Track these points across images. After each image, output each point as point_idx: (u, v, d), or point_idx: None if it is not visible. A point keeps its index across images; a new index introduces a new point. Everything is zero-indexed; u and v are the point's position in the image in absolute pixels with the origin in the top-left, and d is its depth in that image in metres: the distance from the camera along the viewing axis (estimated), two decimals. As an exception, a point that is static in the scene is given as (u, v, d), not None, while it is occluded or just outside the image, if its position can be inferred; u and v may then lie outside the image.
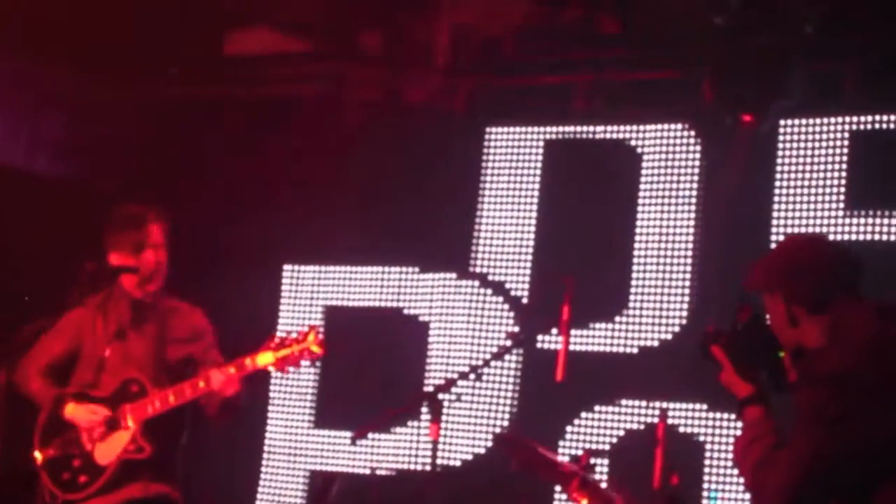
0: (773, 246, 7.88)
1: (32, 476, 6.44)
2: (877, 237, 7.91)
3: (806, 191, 8.12)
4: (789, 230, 8.07)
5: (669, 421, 7.32)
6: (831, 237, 7.93)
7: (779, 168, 8.21)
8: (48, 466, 6.41)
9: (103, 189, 9.04)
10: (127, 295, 6.53)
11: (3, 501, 6.55)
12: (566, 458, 7.94)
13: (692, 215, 8.41)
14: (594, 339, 8.46)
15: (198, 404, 6.38)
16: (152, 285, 6.52)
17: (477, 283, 8.94)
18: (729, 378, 4.38)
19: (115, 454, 6.28)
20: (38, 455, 6.44)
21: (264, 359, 6.25)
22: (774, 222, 8.13)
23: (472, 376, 7.99)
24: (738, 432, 4.44)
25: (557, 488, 8.16)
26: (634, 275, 8.48)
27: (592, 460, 6.41)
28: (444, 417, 6.74)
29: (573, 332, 7.75)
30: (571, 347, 7.12)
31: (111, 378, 6.36)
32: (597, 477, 6.46)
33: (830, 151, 8.10)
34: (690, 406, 8.04)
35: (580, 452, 7.13)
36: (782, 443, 4.13)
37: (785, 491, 4.02)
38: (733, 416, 7.85)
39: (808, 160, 8.15)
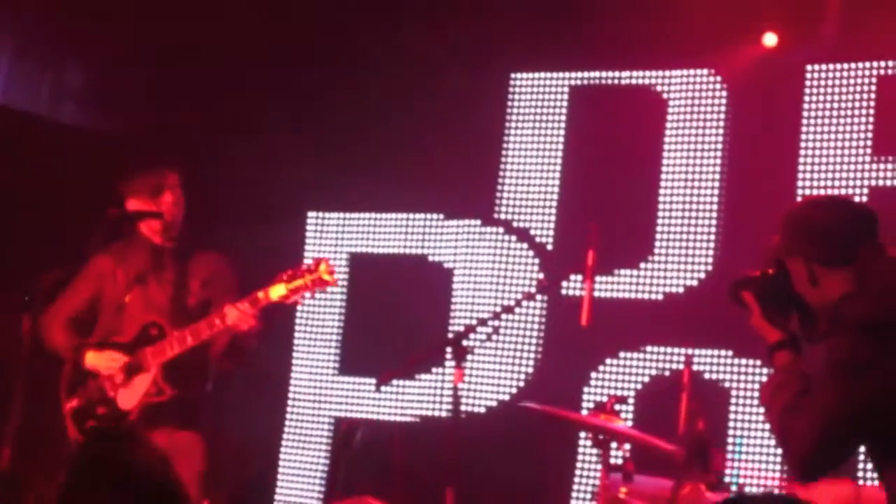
0: (799, 194, 7.91)
1: (58, 427, 6.51)
2: (903, 183, 7.87)
3: (832, 136, 8.07)
4: (815, 176, 8.04)
5: (695, 367, 7.32)
6: (857, 183, 7.91)
7: (805, 113, 8.16)
8: (74, 416, 6.47)
9: (127, 138, 9.06)
10: (146, 241, 6.57)
11: (27, 453, 6.60)
12: (591, 405, 8.00)
13: (718, 161, 8.37)
14: (619, 285, 8.45)
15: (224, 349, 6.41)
16: (172, 229, 6.54)
17: (502, 229, 8.92)
18: (759, 323, 4.37)
19: (136, 398, 6.33)
20: (66, 406, 6.50)
21: (277, 291, 6.27)
22: (801, 168, 8.09)
23: (496, 323, 7.99)
24: (765, 378, 4.44)
25: (581, 434, 8.18)
26: (659, 221, 8.45)
27: (617, 406, 6.40)
28: (468, 364, 6.74)
29: (598, 278, 7.73)
30: (596, 294, 7.10)
31: (132, 323, 6.41)
32: (622, 423, 6.44)
33: (857, 97, 8.05)
34: (716, 352, 8.03)
35: (605, 399, 7.12)
36: (810, 389, 4.12)
37: (812, 436, 4.01)
38: (759, 363, 7.85)
39: (835, 105, 8.10)
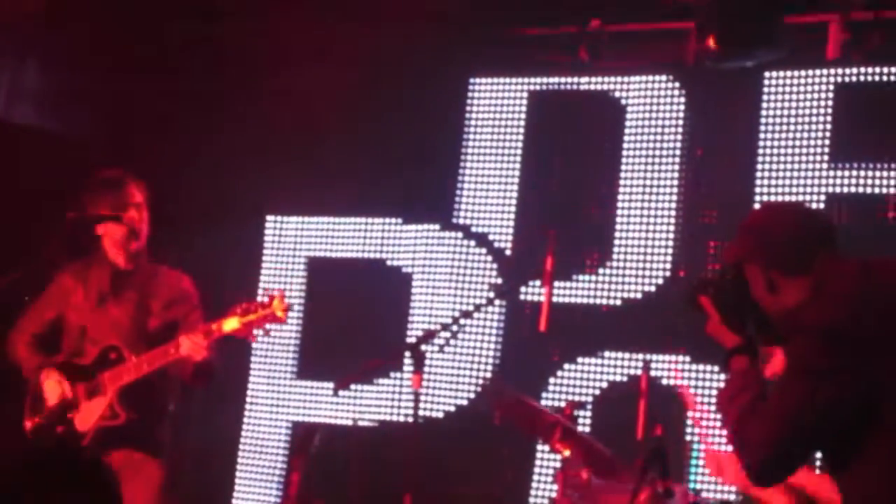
0: (757, 200, 7.95)
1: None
2: (860, 190, 7.90)
3: (790, 143, 8.11)
4: (773, 183, 8.08)
5: (652, 373, 7.34)
6: (815, 189, 7.95)
7: (763, 120, 8.20)
8: (35, 435, 6.47)
9: (80, 141, 9.02)
10: (108, 262, 6.55)
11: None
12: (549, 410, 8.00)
13: (676, 167, 8.40)
14: (577, 290, 8.46)
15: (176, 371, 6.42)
16: (134, 245, 6.51)
17: (460, 234, 8.92)
18: (716, 328, 4.39)
19: (92, 421, 6.33)
20: (27, 424, 6.50)
21: (230, 324, 6.30)
22: (758, 174, 8.12)
23: (454, 327, 7.99)
24: (723, 385, 4.45)
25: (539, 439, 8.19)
26: (618, 227, 8.47)
27: (575, 412, 6.42)
28: (426, 368, 6.74)
29: (556, 284, 7.74)
30: (554, 299, 7.11)
31: (93, 346, 6.41)
32: (580, 428, 6.46)
33: (815, 104, 8.09)
34: (673, 358, 8.04)
35: (562, 404, 7.13)
36: (766, 394, 4.13)
37: (768, 440, 4.02)
38: (716, 369, 7.87)
39: (793, 112, 8.14)
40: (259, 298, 6.43)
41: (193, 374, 6.41)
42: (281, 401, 9.22)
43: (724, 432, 4.38)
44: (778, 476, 4.17)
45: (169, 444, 6.59)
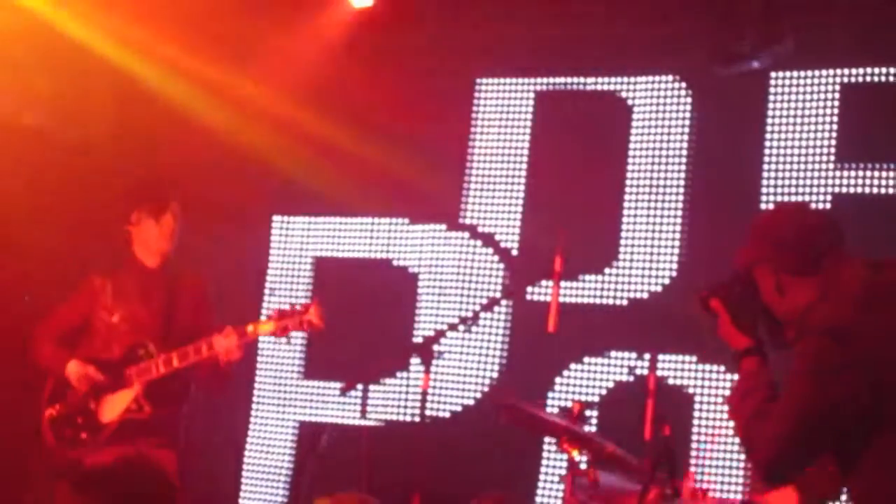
0: (763, 201, 7.95)
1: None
2: (866, 190, 7.92)
3: (796, 143, 8.12)
4: (779, 183, 8.09)
5: (659, 373, 7.35)
6: (820, 190, 7.97)
7: (769, 120, 8.21)
8: (52, 423, 6.55)
9: (85, 140, 9.05)
10: (137, 262, 6.63)
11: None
12: (556, 410, 8.01)
13: (682, 167, 8.41)
14: (584, 290, 8.47)
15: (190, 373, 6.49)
16: (166, 248, 6.60)
17: (467, 234, 8.94)
18: (727, 330, 4.41)
19: (117, 413, 6.41)
20: (46, 412, 6.56)
21: (266, 327, 6.38)
22: (765, 174, 8.14)
23: (461, 328, 8.01)
24: (730, 384, 4.48)
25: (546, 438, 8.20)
26: (624, 227, 8.48)
27: (584, 411, 6.42)
28: (433, 369, 6.76)
29: (563, 283, 7.75)
30: (561, 299, 7.12)
31: (120, 343, 6.47)
32: (588, 428, 6.47)
33: (821, 104, 8.10)
34: (680, 358, 8.06)
35: (569, 404, 7.14)
36: (777, 396, 4.15)
37: (778, 441, 4.04)
38: (722, 369, 7.88)
39: (799, 113, 8.15)
40: (294, 305, 6.50)
41: (211, 378, 6.49)
42: (288, 400, 9.24)
43: (733, 432, 4.40)
44: (787, 474, 4.19)
45: (183, 441, 6.67)
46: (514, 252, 8.81)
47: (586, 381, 8.37)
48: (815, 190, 8.00)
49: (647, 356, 7.14)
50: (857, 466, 4.09)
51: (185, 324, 6.57)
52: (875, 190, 7.90)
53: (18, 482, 7.92)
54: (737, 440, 4.40)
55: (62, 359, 6.55)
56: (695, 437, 7.93)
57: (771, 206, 7.90)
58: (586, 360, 8.39)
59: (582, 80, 8.78)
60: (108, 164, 7.54)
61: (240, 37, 9.14)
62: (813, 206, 7.53)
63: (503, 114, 8.98)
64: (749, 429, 4.17)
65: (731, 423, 4.47)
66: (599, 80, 8.71)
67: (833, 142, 8.04)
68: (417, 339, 8.72)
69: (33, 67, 8.87)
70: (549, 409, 8.29)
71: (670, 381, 8.00)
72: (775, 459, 4.09)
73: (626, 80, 8.64)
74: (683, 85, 8.49)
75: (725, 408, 4.67)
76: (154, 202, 6.64)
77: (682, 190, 8.39)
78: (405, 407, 8.83)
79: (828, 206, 7.87)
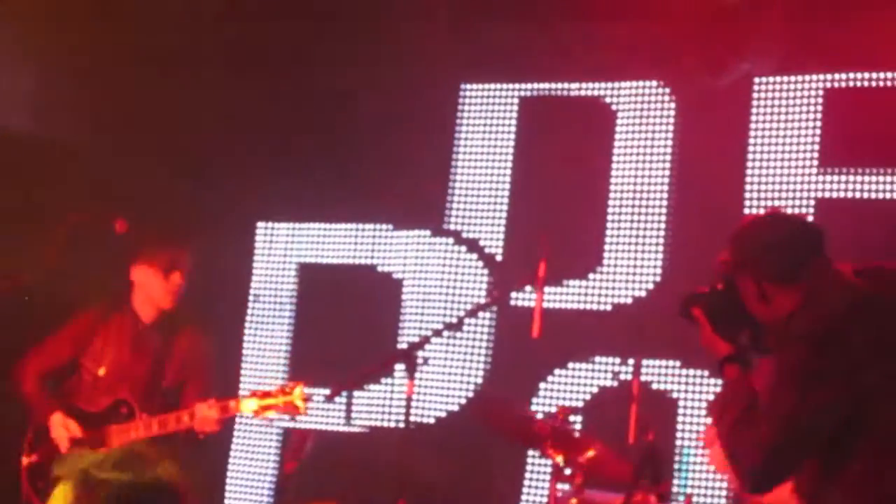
0: (747, 206, 7.97)
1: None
2: (849, 195, 7.94)
3: (779, 148, 8.14)
4: (762, 188, 8.10)
5: (643, 378, 7.36)
6: (804, 195, 7.98)
7: (753, 125, 8.23)
8: (29, 473, 6.51)
9: (71, 145, 9.02)
10: (134, 313, 6.59)
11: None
12: (540, 416, 8.00)
13: (666, 172, 8.42)
14: (568, 296, 8.47)
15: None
16: (167, 305, 6.57)
17: (451, 240, 8.93)
18: (709, 339, 4.41)
19: None
20: (23, 460, 6.53)
21: (248, 405, 6.39)
22: (748, 180, 8.15)
23: (446, 334, 8.01)
24: (713, 390, 4.49)
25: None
26: (608, 232, 8.49)
27: (569, 416, 6.43)
28: (418, 375, 6.76)
29: (547, 289, 7.75)
30: (545, 305, 7.12)
31: (104, 396, 6.43)
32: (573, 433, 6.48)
33: (804, 109, 8.12)
34: (664, 363, 8.06)
35: (554, 409, 7.14)
36: (758, 404, 4.16)
37: (762, 448, 4.05)
38: (706, 373, 7.89)
39: (782, 118, 8.17)
40: (279, 385, 6.52)
41: (185, 441, 6.46)
42: (272, 406, 9.20)
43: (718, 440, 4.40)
44: (772, 483, 4.19)
45: None
46: (499, 258, 8.81)
47: (571, 386, 8.37)
48: (798, 195, 8.01)
49: (631, 361, 7.16)
50: (842, 472, 4.10)
51: (173, 380, 6.55)
52: (858, 195, 7.91)
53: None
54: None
55: (46, 406, 6.50)
56: (679, 442, 7.94)
57: (754, 212, 7.91)
58: (570, 365, 8.39)
59: (566, 85, 8.78)
60: (88, 166, 7.50)
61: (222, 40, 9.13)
62: (795, 212, 7.53)
63: (488, 119, 8.99)
64: (733, 437, 4.17)
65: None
66: (584, 85, 8.72)
67: (816, 147, 8.05)
68: (402, 346, 8.71)
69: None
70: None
71: (654, 386, 8.01)
72: (760, 466, 4.09)
73: (610, 85, 8.65)
74: (668, 90, 8.50)
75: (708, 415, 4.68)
76: (166, 257, 6.58)
77: (665, 195, 8.40)
78: (390, 413, 8.82)
79: (811, 211, 7.89)
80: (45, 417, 6.48)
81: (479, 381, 8.66)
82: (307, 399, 6.47)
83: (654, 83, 8.53)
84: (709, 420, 4.56)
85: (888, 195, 7.84)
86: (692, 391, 8.00)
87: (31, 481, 6.50)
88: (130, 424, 6.36)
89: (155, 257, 6.59)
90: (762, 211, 7.74)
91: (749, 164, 8.17)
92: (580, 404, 8.23)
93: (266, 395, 6.42)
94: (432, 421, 8.67)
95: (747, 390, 4.23)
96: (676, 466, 7.82)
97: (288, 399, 6.39)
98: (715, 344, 4.40)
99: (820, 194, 7.97)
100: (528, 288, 8.19)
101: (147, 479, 3.41)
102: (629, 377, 7.00)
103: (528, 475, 8.34)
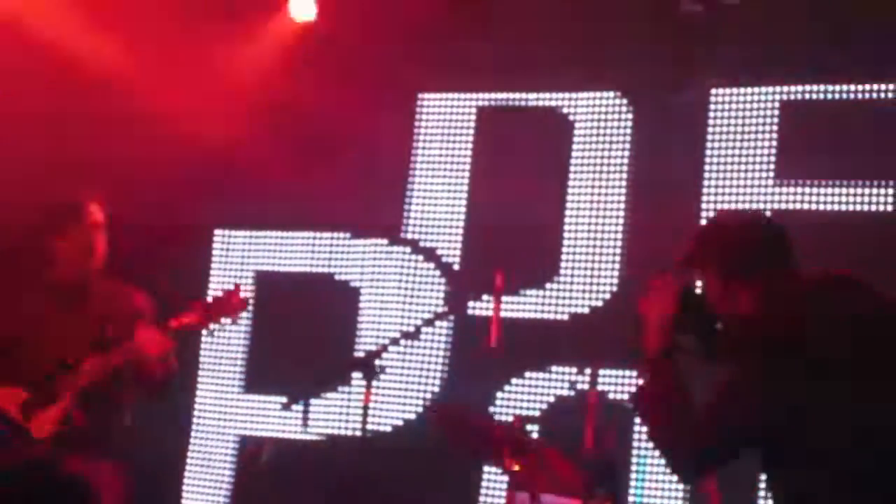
0: (703, 216, 8.01)
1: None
2: (805, 206, 7.99)
3: (736, 160, 8.19)
4: (719, 199, 8.15)
5: (599, 388, 7.37)
6: (760, 207, 8.03)
7: (709, 137, 8.27)
8: None
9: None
10: (62, 277, 6.54)
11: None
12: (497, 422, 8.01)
13: (623, 182, 8.45)
14: (525, 305, 8.49)
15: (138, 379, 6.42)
16: (87, 264, 6.52)
17: (408, 249, 8.95)
18: (663, 323, 4.39)
19: (47, 428, 6.29)
20: None
21: (185, 318, 6.34)
22: (705, 191, 8.19)
23: (402, 342, 8.01)
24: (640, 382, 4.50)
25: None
26: (565, 242, 8.51)
27: (525, 425, 6.44)
28: (374, 383, 6.75)
29: (504, 298, 7.77)
30: (502, 314, 7.13)
31: (47, 359, 6.35)
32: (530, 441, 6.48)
33: (761, 121, 8.17)
34: (620, 373, 8.09)
35: (510, 419, 7.15)
36: (692, 402, 4.18)
37: (700, 445, 4.09)
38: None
39: (739, 130, 8.22)
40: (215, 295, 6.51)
41: (137, 380, 6.41)
42: (228, 415, 9.20)
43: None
44: (702, 474, 4.23)
45: (124, 453, 6.58)
46: (456, 267, 8.82)
47: (527, 396, 8.39)
48: (754, 206, 8.05)
49: (587, 371, 7.19)
50: (776, 481, 4.15)
51: (116, 335, 6.47)
52: (814, 206, 7.97)
53: None
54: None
55: None
56: (635, 452, 7.96)
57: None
58: (527, 374, 8.41)
59: (524, 95, 8.81)
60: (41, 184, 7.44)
61: (179, 49, 9.10)
62: (761, 213, 7.56)
63: (445, 129, 9.01)
64: (667, 427, 4.19)
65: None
66: (541, 95, 8.75)
67: (773, 159, 8.10)
68: (359, 354, 8.71)
69: None
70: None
71: (611, 396, 8.03)
72: (697, 456, 4.14)
73: (567, 95, 8.68)
74: (625, 101, 8.54)
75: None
76: (71, 219, 6.51)
77: (622, 205, 8.43)
78: (347, 421, 8.81)
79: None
80: None
81: (436, 389, 8.67)
82: (244, 301, 6.44)
83: (612, 94, 8.56)
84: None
85: (844, 207, 7.90)
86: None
87: None
88: (77, 373, 6.27)
89: (56, 224, 6.51)
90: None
91: (706, 174, 8.22)
92: (537, 414, 8.25)
93: (203, 305, 6.41)
94: (389, 429, 8.67)
95: (681, 383, 4.24)
96: (632, 476, 7.86)
97: (224, 303, 6.39)
98: (663, 334, 4.37)
99: (776, 205, 8.02)
100: (485, 297, 8.23)
101: None
102: (586, 387, 7.01)
103: (484, 483, 8.35)
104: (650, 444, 7.88)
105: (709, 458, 4.16)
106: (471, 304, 8.49)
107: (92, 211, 6.57)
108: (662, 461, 7.58)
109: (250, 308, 9.15)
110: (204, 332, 6.63)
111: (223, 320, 6.49)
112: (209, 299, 6.51)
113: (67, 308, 6.49)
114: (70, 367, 6.31)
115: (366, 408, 6.36)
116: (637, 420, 7.99)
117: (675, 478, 7.58)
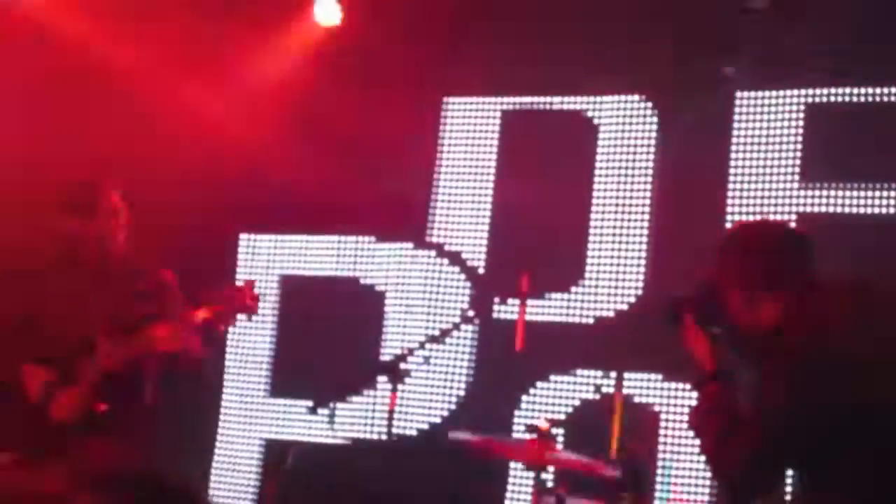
0: (729, 220, 8.00)
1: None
2: (830, 210, 7.97)
3: (761, 163, 8.17)
4: (744, 202, 8.14)
5: (625, 391, 7.37)
6: (786, 209, 8.02)
7: (734, 140, 8.26)
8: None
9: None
10: (84, 261, 6.53)
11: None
12: (522, 428, 8.02)
13: (648, 186, 8.45)
14: (550, 309, 8.49)
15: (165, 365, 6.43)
16: (107, 248, 6.51)
17: (433, 252, 8.95)
18: (701, 349, 4.40)
19: (68, 411, 6.29)
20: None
21: (202, 313, 6.33)
22: (730, 193, 8.18)
23: (428, 346, 8.02)
24: (694, 402, 4.49)
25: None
26: (590, 245, 8.51)
27: (552, 429, 6.44)
28: (400, 387, 6.76)
29: (529, 302, 7.77)
30: (528, 318, 7.14)
31: (69, 341, 6.35)
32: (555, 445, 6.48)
33: (786, 124, 8.16)
34: (646, 376, 8.08)
35: (536, 422, 7.15)
36: (740, 415, 4.18)
37: (748, 457, 4.07)
38: (688, 386, 7.90)
39: (764, 132, 8.20)
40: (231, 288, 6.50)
41: (171, 363, 6.42)
42: (254, 418, 9.22)
43: (697, 450, 4.42)
44: (757, 491, 4.21)
45: (146, 437, 6.58)
46: (481, 271, 8.83)
47: (553, 399, 8.39)
48: (779, 209, 8.05)
49: (613, 374, 7.19)
50: (816, 491, 4.13)
51: (140, 314, 6.44)
52: (839, 209, 7.95)
53: None
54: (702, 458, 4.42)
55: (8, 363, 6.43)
56: (660, 455, 7.95)
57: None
58: (553, 378, 8.41)
59: (548, 99, 8.81)
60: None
61: (206, 54, 9.13)
62: (784, 224, 7.55)
63: (470, 132, 9.01)
64: (717, 447, 4.19)
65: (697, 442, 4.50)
66: (566, 99, 8.75)
67: (798, 161, 8.09)
68: (385, 358, 8.72)
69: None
70: (515, 428, 8.33)
71: (636, 399, 8.02)
72: (746, 476, 4.12)
73: (592, 99, 8.68)
74: (650, 104, 8.53)
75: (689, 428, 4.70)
76: (88, 205, 6.50)
77: (647, 208, 8.43)
78: (372, 425, 8.82)
79: (792, 225, 7.91)
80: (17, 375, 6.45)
81: (462, 393, 8.67)
82: (257, 298, 6.42)
83: (636, 97, 8.56)
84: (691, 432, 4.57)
85: (869, 210, 7.88)
86: (674, 404, 8.03)
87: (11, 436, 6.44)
88: (98, 357, 6.26)
89: (68, 205, 6.51)
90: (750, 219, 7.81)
91: (731, 178, 8.20)
92: (562, 417, 8.25)
93: (218, 299, 6.40)
94: (415, 433, 8.68)
95: (730, 401, 4.25)
96: (658, 479, 7.85)
97: (239, 298, 6.39)
98: (705, 357, 4.40)
99: (801, 208, 8.00)
100: (510, 301, 8.23)
101: None
102: (611, 390, 7.01)
103: (510, 487, 8.35)
104: (675, 447, 7.89)
105: (754, 476, 4.12)
106: (496, 307, 8.50)
107: (112, 192, 6.57)
108: (688, 464, 7.62)
109: (275, 311, 9.18)
110: (223, 328, 6.57)
111: (240, 317, 6.48)
112: (225, 293, 6.49)
113: (91, 287, 6.48)
114: (90, 351, 6.30)
115: (391, 412, 6.37)
116: (662, 423, 7.98)
117: (701, 480, 7.61)
